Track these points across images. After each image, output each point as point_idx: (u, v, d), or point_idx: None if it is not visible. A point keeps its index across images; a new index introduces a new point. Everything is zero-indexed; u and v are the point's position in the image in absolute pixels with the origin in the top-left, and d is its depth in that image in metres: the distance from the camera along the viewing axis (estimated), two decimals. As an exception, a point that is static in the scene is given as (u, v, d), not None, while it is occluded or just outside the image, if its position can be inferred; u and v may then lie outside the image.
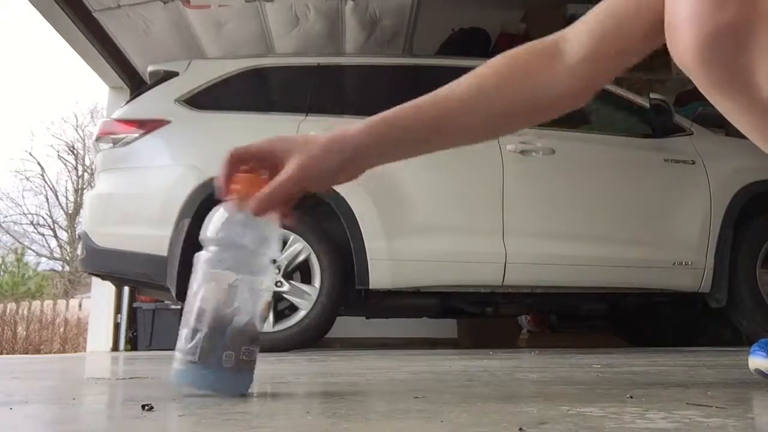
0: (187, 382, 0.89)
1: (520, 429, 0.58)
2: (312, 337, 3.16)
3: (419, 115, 0.87)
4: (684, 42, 0.64)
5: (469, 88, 0.87)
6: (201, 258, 0.91)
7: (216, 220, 0.90)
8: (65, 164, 20.59)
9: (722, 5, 0.60)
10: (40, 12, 4.48)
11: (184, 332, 0.90)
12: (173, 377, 0.90)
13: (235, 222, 0.88)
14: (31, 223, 18.56)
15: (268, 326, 3.10)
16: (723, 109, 0.68)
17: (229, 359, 0.87)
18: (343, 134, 0.87)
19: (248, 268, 0.88)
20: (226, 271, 0.88)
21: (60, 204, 18.83)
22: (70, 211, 18.34)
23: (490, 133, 0.93)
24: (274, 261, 0.93)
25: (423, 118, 0.87)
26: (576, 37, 0.84)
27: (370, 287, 3.18)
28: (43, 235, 18.54)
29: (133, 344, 5.23)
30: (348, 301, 3.31)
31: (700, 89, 0.69)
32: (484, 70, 0.88)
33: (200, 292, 0.88)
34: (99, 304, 5.43)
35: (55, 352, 8.57)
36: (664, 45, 0.77)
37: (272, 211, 0.87)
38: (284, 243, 3.18)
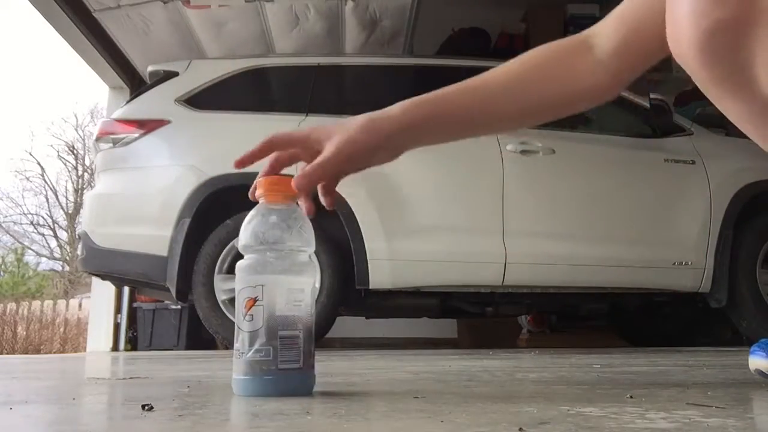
0: (279, 391, 0.86)
1: (520, 429, 0.58)
2: (312, 337, 3.16)
3: (462, 99, 0.89)
4: (684, 38, 0.64)
5: (508, 75, 0.90)
6: (241, 266, 0.89)
7: (247, 227, 0.90)
8: (65, 164, 20.62)
9: (722, 1, 0.60)
10: (40, 12, 4.48)
11: (251, 344, 0.86)
12: (250, 389, 0.86)
13: (270, 224, 0.88)
14: (31, 223, 18.57)
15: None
16: (723, 106, 0.69)
17: (309, 359, 0.88)
18: (383, 114, 0.88)
19: (287, 268, 0.88)
20: (276, 275, 0.87)
21: (60, 204, 18.85)
22: (70, 211, 18.34)
23: (524, 121, 0.94)
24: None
25: (465, 102, 0.89)
26: (604, 32, 0.86)
27: (370, 287, 3.18)
28: (43, 235, 18.56)
29: (133, 344, 5.23)
30: (348, 301, 3.31)
31: (699, 86, 0.69)
32: (524, 59, 0.91)
33: (264, 298, 0.86)
34: (99, 304, 5.43)
35: (55, 352, 8.57)
36: None
37: (311, 191, 0.88)
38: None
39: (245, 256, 0.90)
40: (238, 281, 0.89)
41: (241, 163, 0.90)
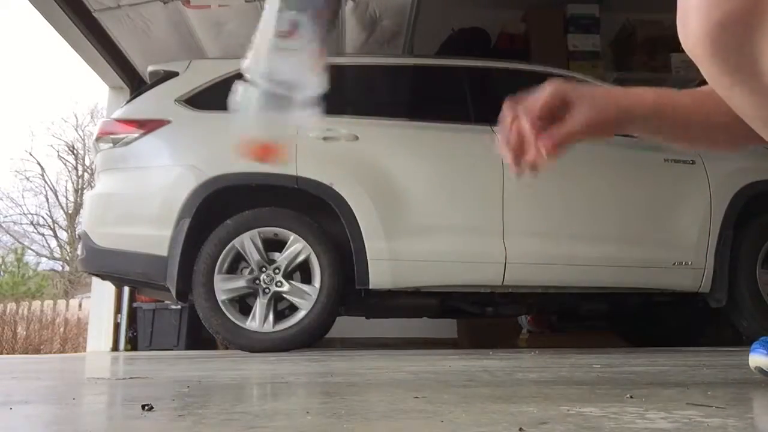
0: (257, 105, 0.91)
1: (520, 429, 0.58)
2: (312, 337, 3.16)
3: (689, 99, 0.90)
4: (693, 30, 0.65)
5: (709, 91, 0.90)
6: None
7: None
8: (65, 164, 20.59)
9: None
10: (40, 12, 4.48)
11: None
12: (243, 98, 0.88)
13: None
14: (31, 223, 18.55)
15: (268, 326, 3.10)
16: (731, 99, 0.69)
17: None
18: (623, 92, 0.90)
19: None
20: None
21: (60, 204, 18.84)
22: (70, 211, 18.33)
23: (716, 140, 0.96)
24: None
25: (693, 103, 0.90)
26: None
27: (370, 287, 3.18)
28: (43, 235, 18.55)
29: (133, 344, 5.23)
30: (348, 301, 3.32)
31: (708, 79, 0.69)
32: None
33: None
34: (99, 304, 5.43)
35: (55, 352, 8.57)
36: (665, 45, 0.77)
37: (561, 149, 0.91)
38: (284, 243, 3.19)
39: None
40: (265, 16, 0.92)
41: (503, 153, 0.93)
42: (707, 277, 3.36)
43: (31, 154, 24.74)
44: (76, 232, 16.47)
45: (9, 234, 18.01)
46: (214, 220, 3.17)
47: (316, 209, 3.22)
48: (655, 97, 0.90)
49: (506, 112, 0.92)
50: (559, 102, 0.90)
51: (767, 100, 0.65)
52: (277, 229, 3.19)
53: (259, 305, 3.12)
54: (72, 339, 9.09)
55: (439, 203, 3.32)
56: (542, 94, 0.91)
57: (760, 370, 1.04)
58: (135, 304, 5.16)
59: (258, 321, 3.10)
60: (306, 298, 3.12)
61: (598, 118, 0.88)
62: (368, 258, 3.16)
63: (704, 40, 0.64)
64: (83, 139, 18.64)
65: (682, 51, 0.73)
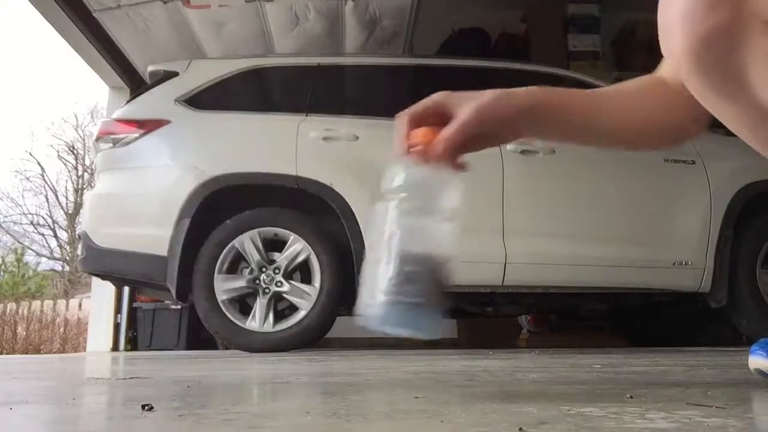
0: (388, 322, 0.87)
1: (520, 429, 0.58)
2: (312, 337, 3.16)
3: (587, 98, 0.91)
4: (677, 45, 0.65)
5: (625, 89, 0.92)
6: (386, 206, 0.91)
7: (400, 172, 0.91)
8: (65, 164, 20.57)
9: (713, 8, 0.61)
10: (40, 12, 4.48)
11: (386, 273, 0.87)
12: (381, 321, 0.87)
13: (417, 174, 0.90)
14: (31, 223, 18.57)
15: (268, 326, 3.10)
16: (718, 112, 0.69)
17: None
18: (516, 90, 0.89)
19: (428, 217, 0.90)
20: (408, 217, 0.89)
21: (60, 204, 18.85)
22: (70, 211, 18.34)
23: (625, 139, 0.96)
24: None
25: (590, 102, 0.91)
26: (668, 69, 0.88)
27: (370, 287, 3.17)
28: (43, 235, 18.56)
29: (133, 344, 5.23)
30: (348, 301, 3.31)
31: (694, 93, 0.69)
32: (635, 81, 0.93)
33: (396, 235, 0.88)
34: (99, 304, 5.43)
35: (55, 352, 8.57)
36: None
37: (455, 152, 0.89)
38: (284, 243, 3.19)
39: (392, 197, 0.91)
40: (383, 217, 0.91)
41: (403, 150, 0.90)
42: (707, 277, 3.35)
43: (31, 154, 24.74)
44: (76, 232, 16.47)
45: (9, 234, 18.03)
46: (214, 220, 3.17)
47: (316, 209, 3.22)
48: (563, 95, 0.91)
49: (397, 122, 0.90)
50: (438, 108, 0.89)
51: (754, 113, 0.65)
52: (277, 229, 3.19)
53: (259, 305, 3.12)
54: (72, 339, 9.09)
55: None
56: (424, 102, 0.91)
57: (760, 372, 1.04)
58: (135, 304, 5.17)
59: (258, 321, 3.10)
60: (306, 298, 3.12)
61: (490, 115, 0.87)
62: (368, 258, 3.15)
63: (688, 56, 0.64)
64: (83, 139, 18.67)
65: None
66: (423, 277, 0.88)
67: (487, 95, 0.88)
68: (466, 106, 0.87)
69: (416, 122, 0.90)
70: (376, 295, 0.87)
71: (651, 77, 0.92)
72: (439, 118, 0.89)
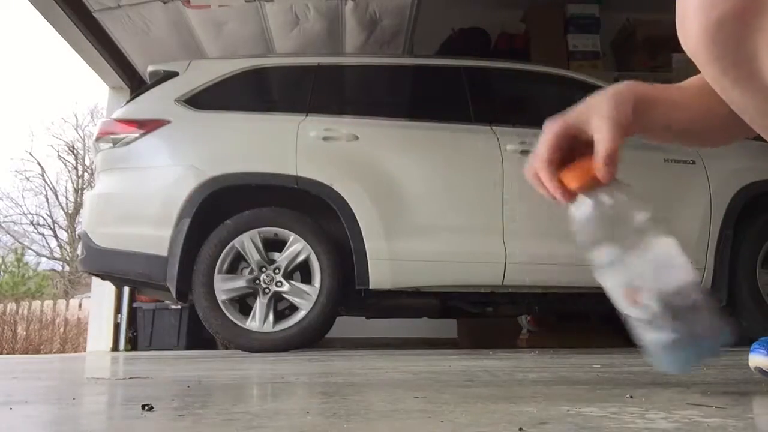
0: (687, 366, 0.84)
1: (520, 429, 0.58)
2: (312, 337, 3.16)
3: (687, 93, 0.88)
4: (692, 30, 0.65)
5: (705, 87, 0.87)
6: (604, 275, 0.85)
7: (586, 222, 0.85)
8: (65, 164, 20.58)
9: None
10: (40, 12, 4.48)
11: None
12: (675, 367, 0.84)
13: (602, 213, 0.84)
14: (31, 223, 18.56)
15: (268, 326, 3.10)
16: (731, 99, 0.69)
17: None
18: (619, 92, 0.85)
19: (631, 243, 0.84)
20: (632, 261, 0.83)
21: (60, 204, 18.84)
22: (70, 211, 18.34)
23: (701, 138, 0.94)
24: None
25: (692, 99, 0.88)
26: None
27: (370, 287, 3.18)
28: (43, 235, 18.55)
29: (133, 344, 5.23)
30: (348, 301, 3.31)
31: (708, 79, 0.69)
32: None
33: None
34: (99, 304, 5.43)
35: (55, 352, 8.57)
36: (665, 45, 0.77)
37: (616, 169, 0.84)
38: (284, 243, 3.19)
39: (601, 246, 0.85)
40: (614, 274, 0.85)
41: (564, 196, 0.86)
42: (707, 277, 3.35)
43: (31, 154, 24.76)
44: (76, 232, 16.47)
45: (9, 234, 18.03)
46: (214, 220, 3.17)
47: (316, 209, 3.22)
48: (672, 89, 0.88)
49: (528, 170, 0.87)
50: (560, 140, 0.85)
51: (764, 98, 0.65)
52: (277, 229, 3.19)
53: (259, 305, 3.12)
54: (72, 339, 9.09)
55: (439, 203, 3.32)
56: (545, 137, 0.86)
57: (760, 370, 1.04)
58: (135, 304, 5.16)
59: (258, 321, 3.10)
60: (306, 298, 3.12)
61: (623, 125, 0.83)
62: (368, 258, 3.16)
63: (703, 40, 0.64)
64: (83, 139, 18.66)
65: (683, 51, 0.73)
66: (695, 306, 0.82)
67: (606, 103, 0.83)
68: (601, 122, 0.82)
69: (553, 164, 0.85)
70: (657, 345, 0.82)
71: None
72: (567, 141, 0.85)
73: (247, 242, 3.14)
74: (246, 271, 3.16)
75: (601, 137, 0.82)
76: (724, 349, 0.83)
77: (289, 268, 3.16)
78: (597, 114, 0.83)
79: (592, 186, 0.83)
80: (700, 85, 0.87)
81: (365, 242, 3.16)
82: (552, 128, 0.86)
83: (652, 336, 0.83)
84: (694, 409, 0.72)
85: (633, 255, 0.84)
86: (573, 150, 0.86)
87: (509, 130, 3.38)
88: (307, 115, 3.36)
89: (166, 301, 4.75)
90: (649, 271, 0.83)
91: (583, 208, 0.85)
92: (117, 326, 5.33)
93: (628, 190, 0.85)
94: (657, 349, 0.83)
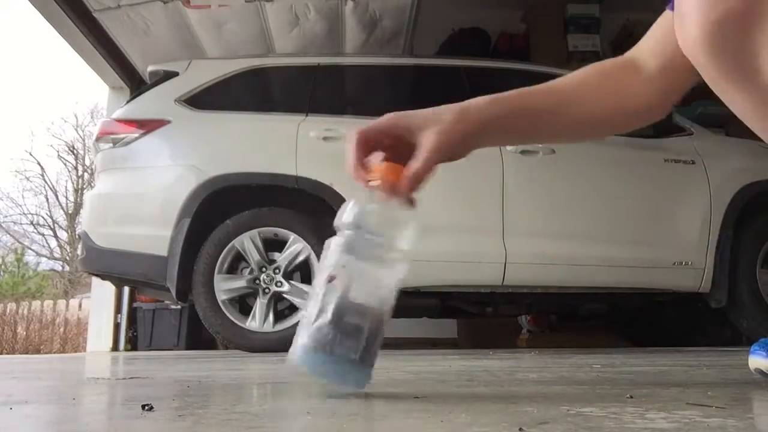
0: (316, 371, 0.87)
1: (520, 429, 0.58)
2: (312, 337, 3.16)
3: (539, 97, 0.90)
4: (691, 31, 0.65)
5: (574, 80, 0.91)
6: (333, 242, 0.88)
7: (352, 208, 0.88)
8: (65, 164, 20.61)
9: None
10: (40, 12, 4.48)
11: (316, 318, 0.86)
12: (308, 368, 0.87)
13: (371, 212, 0.87)
14: (31, 223, 18.57)
15: (268, 326, 3.10)
16: (729, 99, 0.69)
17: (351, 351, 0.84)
18: (471, 105, 0.87)
19: (377, 259, 0.86)
20: (354, 259, 0.85)
21: (60, 204, 18.85)
22: (70, 211, 18.34)
23: (584, 131, 0.95)
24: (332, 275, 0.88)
25: (544, 101, 0.90)
26: (648, 52, 0.87)
27: (370, 287, 3.17)
28: (43, 235, 18.56)
29: (133, 344, 5.23)
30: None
31: (707, 80, 0.69)
32: (586, 70, 0.91)
33: (326, 273, 0.86)
34: (99, 304, 5.43)
35: (55, 352, 8.57)
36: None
37: (419, 188, 0.86)
38: (284, 243, 3.19)
39: (342, 233, 0.88)
40: (328, 253, 0.88)
41: (356, 178, 0.88)
42: (707, 277, 3.36)
43: (31, 154, 24.81)
44: (76, 232, 16.47)
45: (9, 234, 18.03)
46: (214, 220, 3.17)
47: (316, 209, 3.22)
48: (523, 98, 0.90)
49: (348, 145, 0.87)
50: (390, 130, 0.86)
51: (763, 98, 0.65)
52: (277, 229, 3.19)
53: (259, 305, 3.12)
54: (72, 339, 9.09)
55: (439, 203, 3.32)
56: (376, 124, 0.87)
57: (760, 371, 1.04)
58: (135, 304, 5.17)
59: (258, 321, 3.10)
60: (306, 298, 3.12)
61: (452, 139, 0.85)
62: (368, 258, 3.15)
63: (702, 41, 0.64)
64: (83, 139, 18.67)
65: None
66: (361, 334, 0.84)
67: (448, 118, 0.85)
68: (428, 134, 0.84)
69: (368, 145, 0.87)
70: (305, 339, 0.85)
71: (617, 62, 0.90)
72: (392, 140, 0.87)
73: (247, 242, 3.14)
74: (246, 271, 3.16)
75: (422, 154, 0.84)
76: (355, 387, 0.86)
77: (289, 268, 3.16)
78: (434, 126, 0.85)
79: (388, 187, 0.86)
80: (593, 83, 0.89)
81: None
82: (385, 119, 0.87)
83: (310, 329, 0.86)
84: (694, 409, 0.72)
85: (366, 260, 0.86)
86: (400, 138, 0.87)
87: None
88: (307, 115, 3.36)
89: (166, 301, 4.75)
90: (362, 277, 0.86)
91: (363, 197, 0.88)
92: (117, 326, 5.33)
93: (401, 213, 0.88)
94: (305, 341, 0.87)
